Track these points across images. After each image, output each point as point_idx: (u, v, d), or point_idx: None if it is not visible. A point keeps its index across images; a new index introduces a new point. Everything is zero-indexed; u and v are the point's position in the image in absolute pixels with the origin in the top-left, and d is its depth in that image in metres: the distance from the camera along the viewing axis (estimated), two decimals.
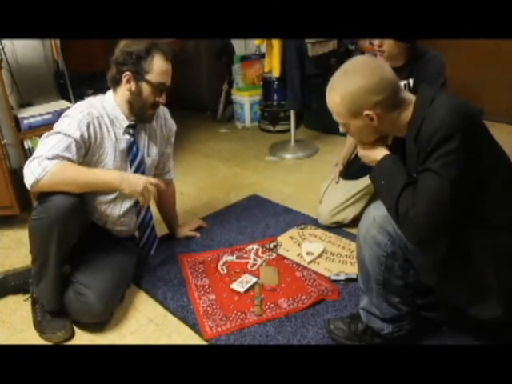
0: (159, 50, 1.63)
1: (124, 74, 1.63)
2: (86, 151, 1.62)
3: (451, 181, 1.14)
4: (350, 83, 1.24)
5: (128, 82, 1.64)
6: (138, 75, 1.63)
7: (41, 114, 2.31)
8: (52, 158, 1.48)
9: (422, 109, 1.21)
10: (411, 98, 1.27)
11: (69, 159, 1.52)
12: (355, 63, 1.28)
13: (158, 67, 1.62)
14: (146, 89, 1.64)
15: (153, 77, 1.63)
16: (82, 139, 1.57)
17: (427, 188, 1.16)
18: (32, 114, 2.30)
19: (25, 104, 2.53)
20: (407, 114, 1.25)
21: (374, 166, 1.33)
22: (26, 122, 2.27)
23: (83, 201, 1.61)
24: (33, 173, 1.47)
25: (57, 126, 1.58)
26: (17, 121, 2.26)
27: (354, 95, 1.22)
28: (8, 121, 2.23)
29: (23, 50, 2.54)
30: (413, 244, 1.28)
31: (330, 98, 1.28)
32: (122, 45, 1.64)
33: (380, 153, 1.31)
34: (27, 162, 1.51)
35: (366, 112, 1.23)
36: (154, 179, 1.66)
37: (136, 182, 1.59)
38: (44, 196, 1.50)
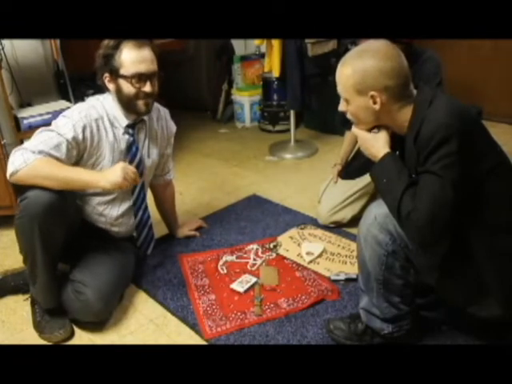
0: (128, 41, 1.58)
1: (104, 77, 1.63)
2: (81, 153, 1.61)
3: (452, 182, 1.14)
4: (366, 60, 1.22)
5: (109, 82, 1.64)
6: (114, 74, 1.61)
7: (41, 114, 2.31)
8: (37, 152, 1.48)
9: (421, 110, 1.22)
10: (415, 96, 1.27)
11: (56, 158, 1.51)
12: (376, 44, 1.26)
13: (127, 58, 1.58)
14: (123, 84, 1.61)
15: (125, 70, 1.59)
16: (74, 141, 1.56)
17: (429, 190, 1.16)
18: (32, 114, 2.30)
19: (25, 104, 2.53)
20: (407, 111, 1.25)
21: (375, 163, 1.32)
22: (25, 121, 2.27)
23: (68, 198, 1.58)
24: (13, 163, 1.47)
25: (53, 124, 1.59)
26: (17, 121, 2.26)
27: (367, 73, 1.21)
28: (8, 121, 2.23)
29: (23, 50, 2.54)
30: (415, 245, 1.28)
31: (342, 70, 1.27)
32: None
33: (381, 150, 1.30)
34: (13, 150, 1.51)
35: (371, 93, 1.22)
36: (131, 167, 1.61)
37: (113, 173, 1.54)
38: (23, 194, 1.49)
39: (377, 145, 1.30)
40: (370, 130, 1.33)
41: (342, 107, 1.32)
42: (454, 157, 1.14)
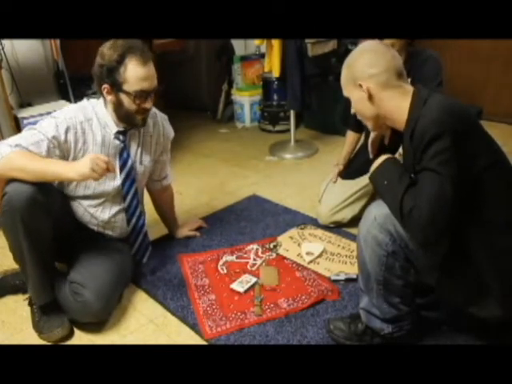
0: (132, 56, 1.55)
1: (102, 88, 1.61)
2: (66, 155, 1.61)
3: (451, 178, 1.15)
4: (354, 57, 1.35)
5: (108, 93, 1.62)
6: (115, 87, 1.59)
7: (41, 114, 2.31)
8: (14, 146, 1.49)
9: (416, 109, 1.24)
10: (410, 89, 1.30)
11: (35, 154, 1.51)
12: (364, 43, 1.37)
13: (132, 76, 1.56)
14: (125, 99, 1.60)
15: (129, 86, 1.57)
16: (55, 140, 1.56)
17: (428, 187, 1.17)
18: (32, 114, 2.31)
19: (25, 104, 2.53)
20: (400, 102, 1.27)
21: (375, 168, 1.34)
22: (25, 121, 2.27)
23: (53, 194, 1.59)
24: None
25: (38, 123, 1.59)
26: (17, 121, 2.26)
27: (355, 66, 1.33)
28: (8, 121, 2.23)
29: (23, 50, 2.54)
30: (417, 244, 1.28)
31: (342, 73, 1.38)
32: (98, 57, 1.59)
33: (380, 158, 1.34)
34: None
35: (359, 82, 1.31)
36: (102, 156, 1.52)
37: (81, 164, 1.47)
38: (3, 190, 1.49)
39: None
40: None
41: (352, 109, 1.40)
42: (449, 153, 1.15)
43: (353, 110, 1.40)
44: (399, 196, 1.20)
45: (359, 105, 1.35)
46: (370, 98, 1.30)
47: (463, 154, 1.17)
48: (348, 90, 1.37)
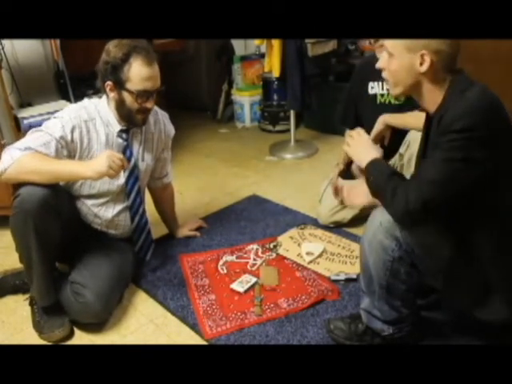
0: (137, 55, 1.56)
1: (105, 84, 1.62)
2: (73, 155, 1.62)
3: (457, 163, 1.12)
4: None
5: (111, 91, 1.63)
6: (118, 85, 1.60)
7: (41, 114, 2.31)
8: (24, 149, 1.49)
9: (452, 97, 1.19)
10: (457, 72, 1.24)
11: (44, 155, 1.51)
12: None
13: (136, 75, 1.57)
14: (127, 97, 1.61)
15: (132, 85, 1.58)
16: (63, 140, 1.57)
17: (425, 170, 1.18)
18: (32, 114, 2.31)
19: (25, 104, 2.54)
20: (445, 86, 1.22)
21: (364, 169, 1.33)
22: (25, 121, 2.27)
23: (62, 196, 1.59)
24: (2, 162, 1.48)
25: (43, 125, 1.60)
26: (17, 121, 2.26)
27: None
28: (8, 121, 2.22)
29: (23, 50, 2.54)
30: (420, 249, 1.26)
31: None
32: (103, 53, 1.60)
33: (368, 157, 1.32)
34: (3, 151, 1.52)
35: (423, 51, 1.17)
36: (117, 154, 1.55)
37: (98, 163, 1.49)
38: (16, 191, 1.50)
39: (365, 156, 1.33)
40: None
41: (381, 63, 1.26)
42: (465, 146, 1.11)
43: (381, 64, 1.25)
44: (384, 181, 1.22)
45: (403, 71, 1.21)
46: (427, 72, 1.18)
47: (483, 152, 1.12)
48: (397, 49, 1.20)
